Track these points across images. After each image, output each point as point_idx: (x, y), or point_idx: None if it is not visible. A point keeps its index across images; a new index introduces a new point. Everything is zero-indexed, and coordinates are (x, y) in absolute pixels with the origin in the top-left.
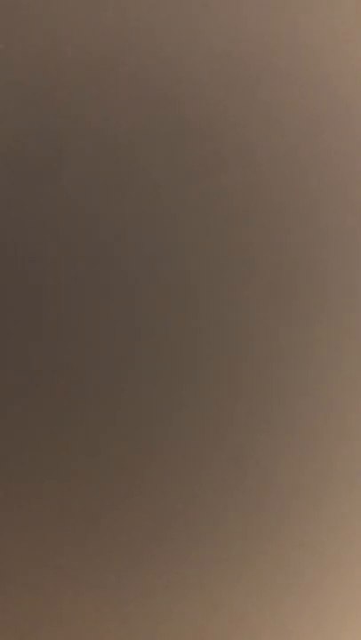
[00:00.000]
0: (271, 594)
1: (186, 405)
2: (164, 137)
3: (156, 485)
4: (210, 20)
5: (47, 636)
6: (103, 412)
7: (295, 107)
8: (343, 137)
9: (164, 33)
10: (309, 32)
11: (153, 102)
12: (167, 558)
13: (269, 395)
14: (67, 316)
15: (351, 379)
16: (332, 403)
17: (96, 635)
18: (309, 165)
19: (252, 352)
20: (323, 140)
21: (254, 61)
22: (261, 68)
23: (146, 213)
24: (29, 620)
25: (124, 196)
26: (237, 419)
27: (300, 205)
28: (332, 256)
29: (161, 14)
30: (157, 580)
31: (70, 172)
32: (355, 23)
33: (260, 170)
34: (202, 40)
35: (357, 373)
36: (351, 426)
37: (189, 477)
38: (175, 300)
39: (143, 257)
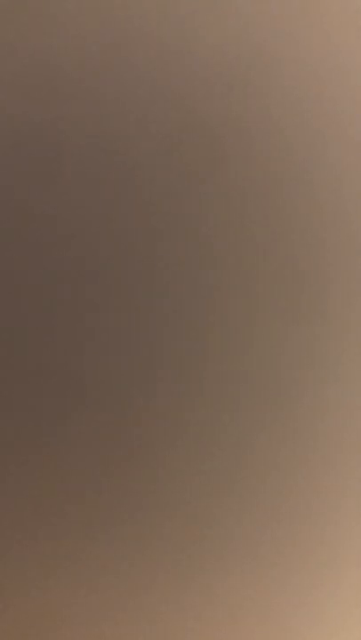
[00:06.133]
0: (270, 595)
1: (187, 405)
2: (165, 137)
3: (156, 488)
4: (210, 20)
5: (47, 637)
6: (104, 416)
7: (297, 107)
8: (346, 136)
9: (164, 32)
10: (310, 32)
11: (153, 102)
12: (166, 559)
13: (270, 397)
14: (67, 318)
15: (353, 382)
16: (334, 406)
17: (95, 635)
18: (311, 165)
19: (253, 354)
20: (324, 139)
21: (255, 61)
22: (262, 67)
23: (146, 215)
24: (29, 623)
25: (124, 197)
26: (238, 420)
27: (301, 207)
28: (334, 258)
29: (162, 14)
30: (156, 579)
31: (70, 171)
32: (355, 24)
33: (262, 171)
34: (202, 39)
35: (358, 375)
36: (352, 428)
37: (189, 479)
38: (176, 300)
39: (143, 257)
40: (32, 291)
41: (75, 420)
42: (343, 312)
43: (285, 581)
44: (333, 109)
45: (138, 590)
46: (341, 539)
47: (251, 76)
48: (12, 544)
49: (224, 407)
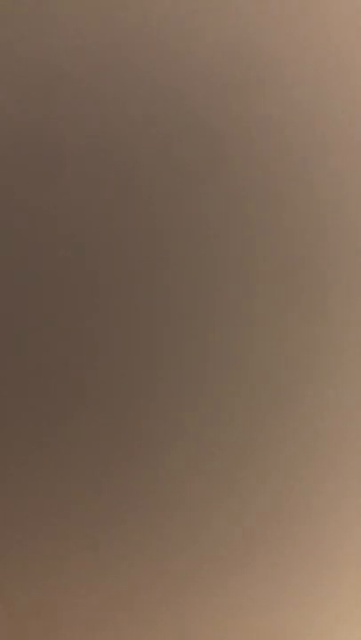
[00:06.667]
0: (270, 594)
1: (187, 405)
2: (165, 137)
3: (156, 488)
4: (210, 20)
5: (47, 637)
6: (104, 416)
7: (297, 107)
8: (346, 136)
9: (164, 32)
10: (310, 32)
11: (153, 102)
12: (166, 559)
13: (270, 397)
14: (67, 318)
15: (353, 382)
16: (334, 406)
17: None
18: (311, 165)
19: (253, 354)
20: (324, 139)
21: (255, 61)
22: (262, 67)
23: (146, 215)
24: (29, 623)
25: (124, 197)
26: (238, 420)
27: (301, 207)
28: (334, 257)
29: (162, 14)
30: (156, 579)
31: (70, 171)
32: (355, 24)
33: (262, 171)
34: (202, 39)
35: (358, 375)
36: (352, 428)
37: (189, 479)
38: (176, 300)
39: (143, 257)
40: (32, 290)
41: (75, 420)
42: (343, 312)
43: (285, 581)
44: (333, 109)
45: (138, 590)
46: (341, 539)
47: (251, 76)
48: (12, 544)
49: (224, 407)
